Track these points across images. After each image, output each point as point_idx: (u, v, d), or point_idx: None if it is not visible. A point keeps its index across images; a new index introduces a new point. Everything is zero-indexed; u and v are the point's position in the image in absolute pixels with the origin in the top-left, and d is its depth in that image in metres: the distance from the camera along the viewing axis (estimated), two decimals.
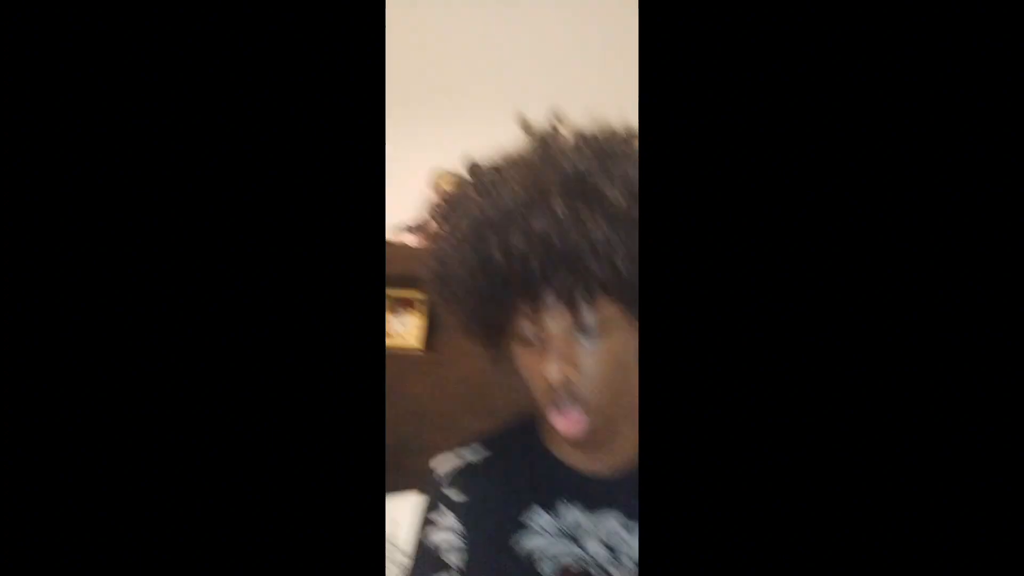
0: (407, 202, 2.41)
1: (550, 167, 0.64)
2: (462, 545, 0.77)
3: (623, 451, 0.75)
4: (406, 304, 2.31)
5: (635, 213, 0.60)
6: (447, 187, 1.99)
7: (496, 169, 0.69)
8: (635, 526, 0.73)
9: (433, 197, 2.31)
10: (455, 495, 0.80)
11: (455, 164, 0.74)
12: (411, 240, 2.27)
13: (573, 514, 0.75)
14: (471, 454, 0.84)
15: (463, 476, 0.81)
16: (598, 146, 0.66)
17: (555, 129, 0.69)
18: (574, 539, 0.74)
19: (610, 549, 0.74)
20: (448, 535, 0.79)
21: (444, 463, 0.84)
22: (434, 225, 0.74)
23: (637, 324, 0.65)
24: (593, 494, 0.75)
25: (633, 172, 0.63)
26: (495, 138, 0.75)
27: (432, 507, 0.82)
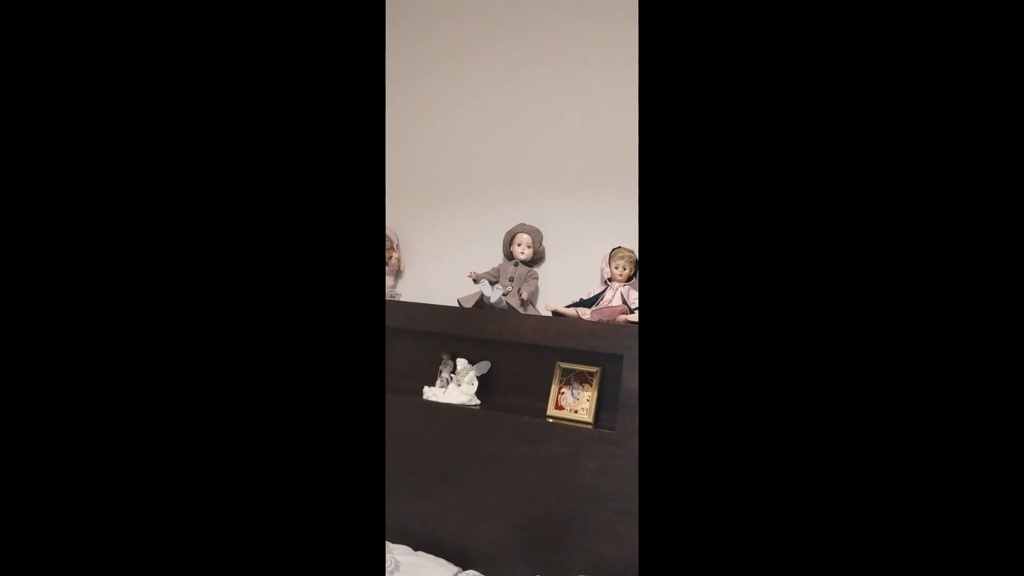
0: (586, 277, 2.37)
1: None
2: None
3: None
4: (583, 379, 2.26)
5: None
6: (627, 264, 2.03)
7: None
8: None
9: (608, 271, 2.29)
10: None
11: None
12: (586, 314, 2.22)
13: None
14: None
15: None
16: None
17: None
18: None
19: None
20: None
21: None
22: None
23: None
24: None
25: None
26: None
27: None
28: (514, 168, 2.60)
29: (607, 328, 2.11)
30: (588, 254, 2.38)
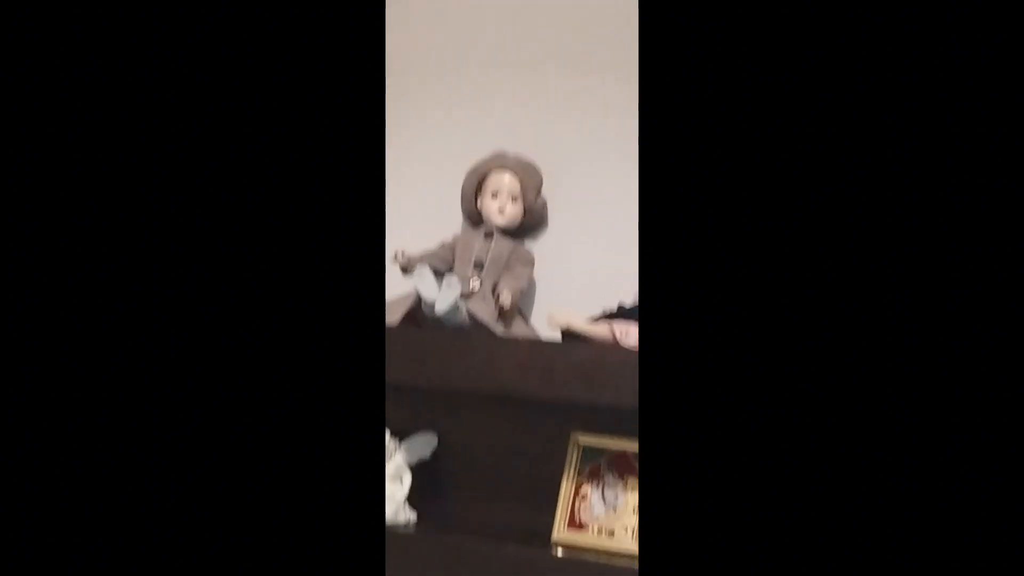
0: None
1: None
2: None
3: None
4: (622, 466, 1.44)
5: None
6: None
7: None
8: None
9: None
10: None
11: None
12: (631, 335, 1.39)
13: None
14: None
15: None
16: None
17: None
18: None
19: None
20: None
21: None
22: None
23: None
24: None
25: None
26: None
27: None
28: (487, 45, 1.75)
29: None
30: (627, 213, 1.50)
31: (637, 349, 1.26)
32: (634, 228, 1.40)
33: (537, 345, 1.44)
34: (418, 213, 1.69)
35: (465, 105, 1.74)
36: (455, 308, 1.42)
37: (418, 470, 1.54)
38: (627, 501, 1.43)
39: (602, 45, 1.67)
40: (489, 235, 1.52)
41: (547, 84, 1.71)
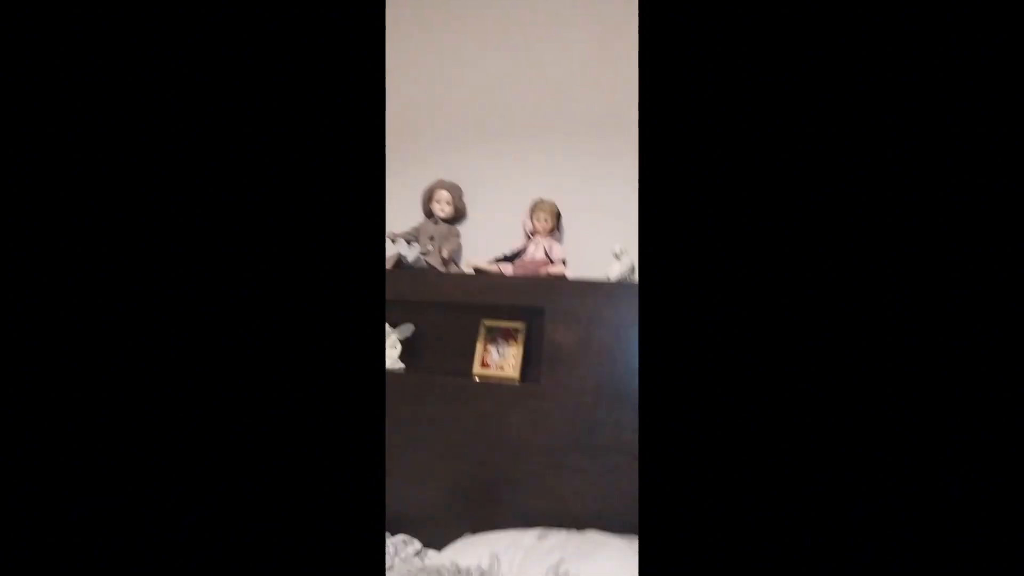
0: (510, 232, 2.33)
1: None
2: None
3: None
4: (507, 335, 2.24)
5: None
6: (549, 216, 2.03)
7: None
8: None
9: (530, 225, 2.25)
10: None
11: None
12: (509, 269, 2.20)
13: None
14: None
15: None
16: None
17: None
18: None
19: None
20: None
21: None
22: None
23: None
24: None
25: None
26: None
27: None
28: (429, 121, 2.52)
29: (529, 282, 2.08)
30: (511, 209, 2.34)
31: (514, 276, 2.02)
32: (513, 215, 2.15)
33: (462, 277, 2.13)
34: (400, 213, 2.45)
35: (423, 157, 2.41)
36: (419, 259, 2.20)
37: (405, 343, 2.28)
38: (509, 352, 2.17)
39: (504, 124, 2.32)
40: (437, 223, 2.30)
41: (467, 147, 2.35)
